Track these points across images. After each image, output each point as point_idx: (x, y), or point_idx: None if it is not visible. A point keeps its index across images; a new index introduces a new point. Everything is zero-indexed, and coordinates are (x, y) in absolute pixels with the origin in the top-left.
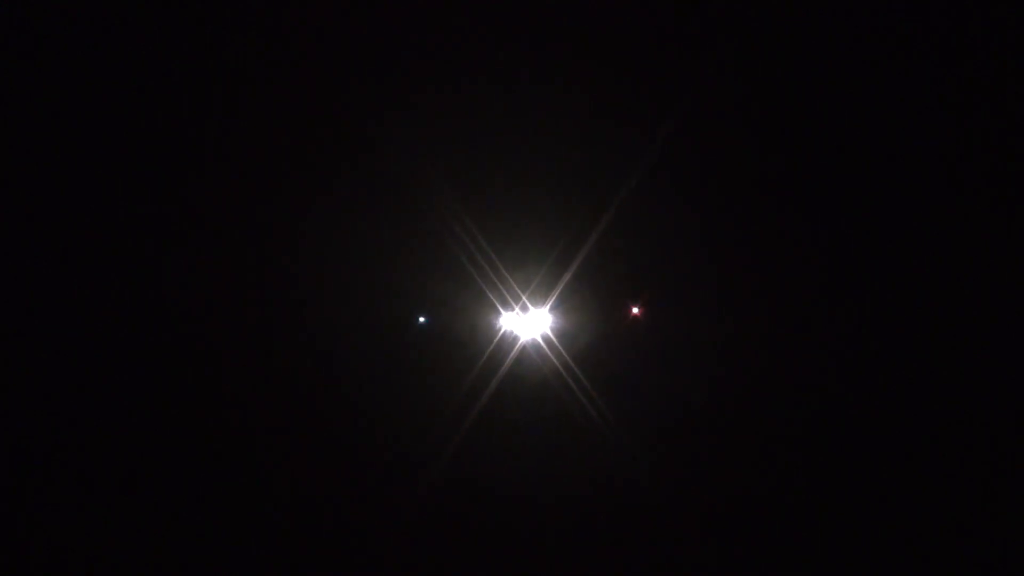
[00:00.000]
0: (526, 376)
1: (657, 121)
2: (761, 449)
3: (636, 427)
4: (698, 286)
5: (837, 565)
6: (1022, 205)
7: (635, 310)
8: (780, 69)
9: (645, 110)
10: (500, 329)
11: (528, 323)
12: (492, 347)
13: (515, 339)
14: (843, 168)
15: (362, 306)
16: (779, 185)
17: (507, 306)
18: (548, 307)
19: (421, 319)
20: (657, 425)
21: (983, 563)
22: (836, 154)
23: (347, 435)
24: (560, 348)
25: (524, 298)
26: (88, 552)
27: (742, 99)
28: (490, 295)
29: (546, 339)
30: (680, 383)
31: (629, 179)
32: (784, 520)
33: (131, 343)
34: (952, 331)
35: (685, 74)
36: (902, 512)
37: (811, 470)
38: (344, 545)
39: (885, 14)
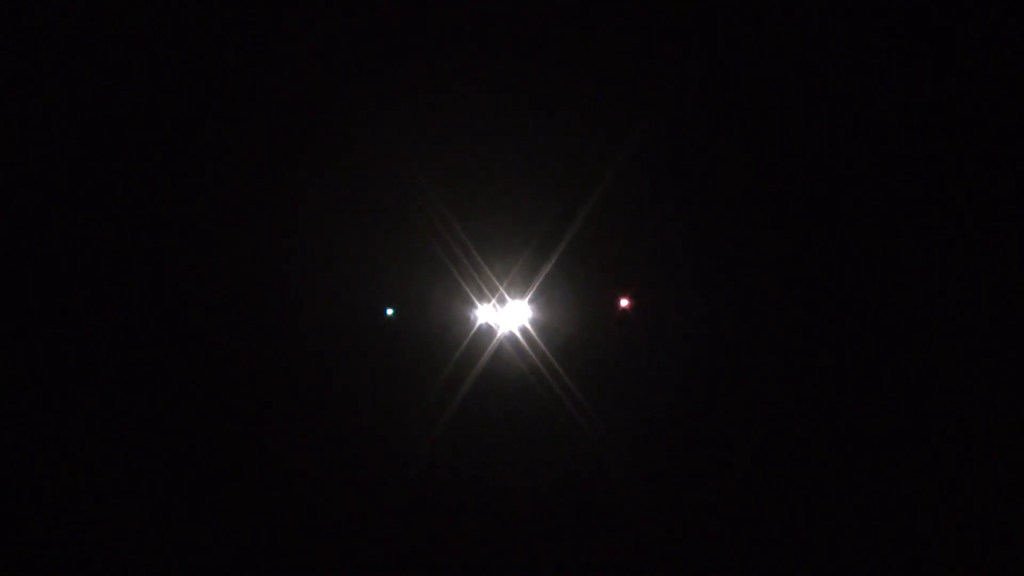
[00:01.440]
0: (503, 373)
1: (646, 104)
2: (749, 449)
3: (620, 426)
4: (687, 277)
5: (825, 566)
6: (1020, 206)
7: (620, 302)
8: (774, 58)
9: (634, 91)
10: (475, 322)
11: (506, 316)
12: (467, 342)
13: (492, 333)
14: (838, 159)
15: (325, 297)
16: (772, 174)
17: (483, 297)
18: (527, 299)
19: (388, 311)
20: (642, 424)
21: (981, 563)
22: (830, 145)
23: (310, 436)
24: (540, 342)
25: (501, 289)
26: (76, 550)
27: (734, 85)
28: (464, 286)
29: (525, 333)
30: (667, 379)
31: (615, 163)
32: (771, 520)
33: (103, 333)
34: (946, 324)
35: (675, 60)
36: (896, 512)
37: (801, 470)
38: (312, 546)
39: (869, 14)
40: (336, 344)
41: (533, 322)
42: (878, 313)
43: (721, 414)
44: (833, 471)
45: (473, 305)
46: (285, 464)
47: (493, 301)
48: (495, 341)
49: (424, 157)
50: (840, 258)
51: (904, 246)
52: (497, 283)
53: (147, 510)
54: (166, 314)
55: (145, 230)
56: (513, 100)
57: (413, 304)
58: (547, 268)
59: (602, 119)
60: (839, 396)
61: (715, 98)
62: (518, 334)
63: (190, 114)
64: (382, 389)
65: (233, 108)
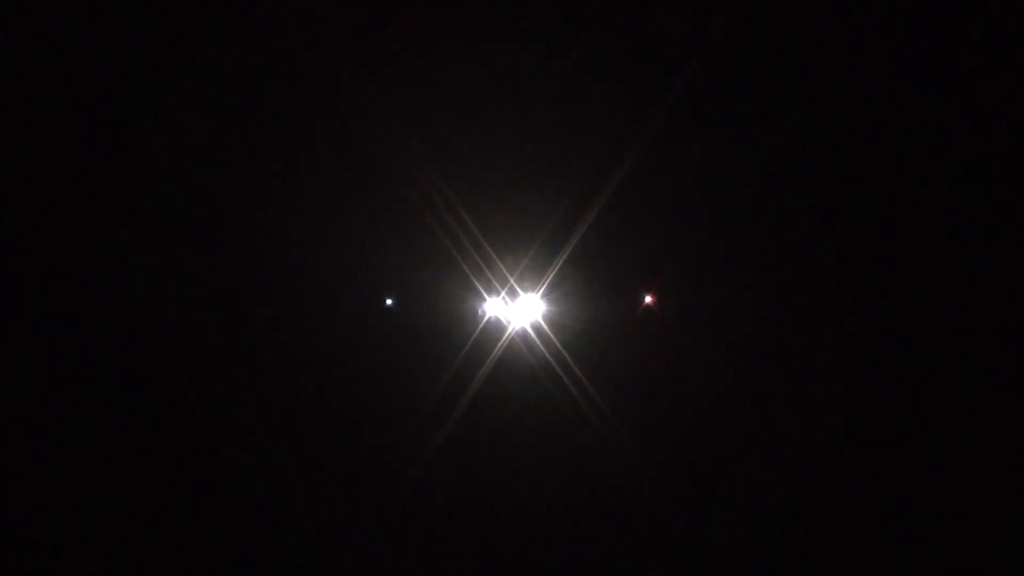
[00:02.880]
0: (514, 371)
1: (668, 88)
2: (778, 455)
3: (640, 430)
4: (715, 269)
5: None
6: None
7: (641, 296)
8: (797, 37)
9: (654, 75)
10: (484, 317)
11: (517, 310)
12: (474, 338)
13: (502, 329)
14: (869, 149)
15: (324, 290)
16: (799, 162)
17: (492, 291)
18: (540, 292)
19: (388, 301)
20: (664, 427)
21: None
22: (860, 135)
23: (305, 438)
24: (554, 339)
25: (512, 281)
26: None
27: (758, 69)
28: (473, 278)
29: (537, 329)
30: (691, 380)
31: (635, 147)
32: (801, 531)
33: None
34: (988, 328)
35: (695, 44)
36: (935, 520)
37: (833, 477)
38: (309, 553)
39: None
40: (333, 339)
41: (547, 317)
42: (923, 309)
43: (748, 417)
44: (876, 478)
45: (482, 299)
46: (278, 467)
47: (503, 294)
48: (505, 338)
49: (429, 138)
50: (873, 250)
51: (944, 242)
52: (507, 275)
53: (139, 511)
54: (154, 309)
55: (139, 218)
56: (531, 75)
57: (417, 297)
58: (562, 259)
59: (624, 102)
60: (885, 404)
61: (737, 84)
62: (530, 330)
63: (188, 104)
64: (383, 387)
65: (238, 100)
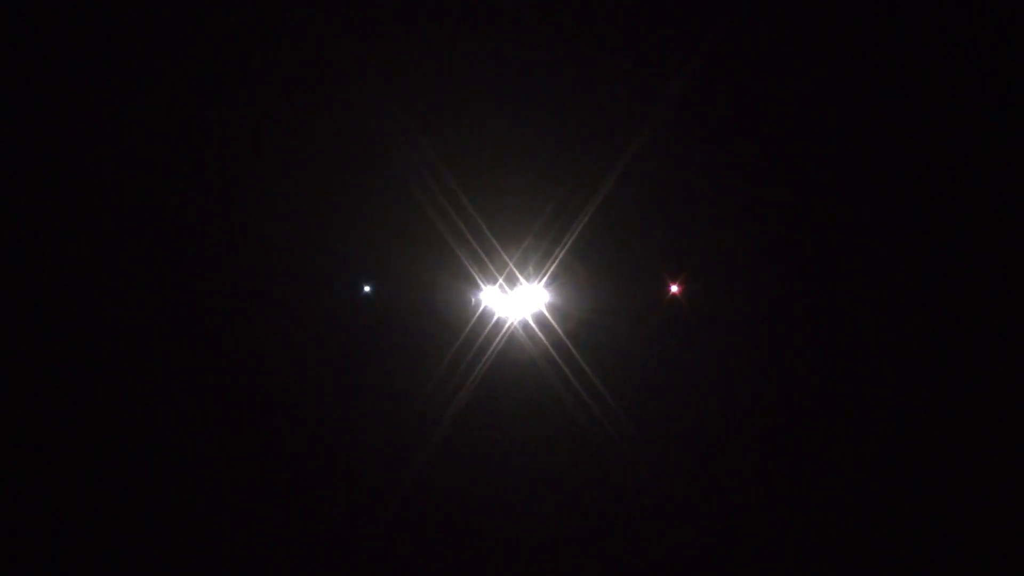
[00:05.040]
0: (514, 368)
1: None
2: (798, 461)
3: (653, 431)
4: (737, 255)
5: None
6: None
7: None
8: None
9: (665, 56)
10: (478, 308)
11: (516, 301)
12: (466, 333)
13: (499, 321)
14: (888, 143)
15: (297, 275)
16: (811, 147)
17: (489, 278)
18: (542, 281)
19: (366, 288)
20: (677, 429)
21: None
22: (877, 128)
23: (286, 441)
24: (560, 332)
25: (511, 266)
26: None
27: (766, 55)
28: (467, 264)
29: (540, 320)
30: (711, 377)
31: (650, 116)
32: (826, 546)
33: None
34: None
35: (703, 30)
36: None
37: (863, 487)
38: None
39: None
40: (307, 331)
41: (550, 308)
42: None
43: (760, 416)
44: (908, 492)
45: (476, 287)
46: (253, 468)
47: (500, 282)
48: (503, 332)
49: (419, 109)
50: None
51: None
52: (507, 259)
53: (128, 512)
54: (127, 300)
55: (113, 201)
56: (536, 43)
57: (403, 284)
58: (567, 243)
59: (639, 75)
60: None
61: (746, 70)
62: (532, 323)
63: (175, 90)
64: (362, 387)
65: (236, 90)
